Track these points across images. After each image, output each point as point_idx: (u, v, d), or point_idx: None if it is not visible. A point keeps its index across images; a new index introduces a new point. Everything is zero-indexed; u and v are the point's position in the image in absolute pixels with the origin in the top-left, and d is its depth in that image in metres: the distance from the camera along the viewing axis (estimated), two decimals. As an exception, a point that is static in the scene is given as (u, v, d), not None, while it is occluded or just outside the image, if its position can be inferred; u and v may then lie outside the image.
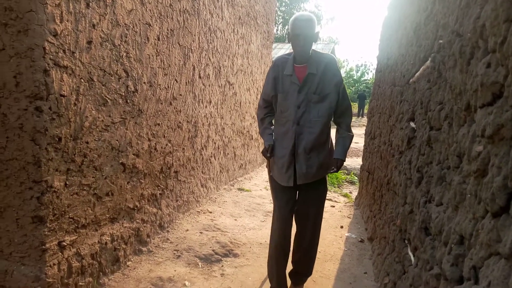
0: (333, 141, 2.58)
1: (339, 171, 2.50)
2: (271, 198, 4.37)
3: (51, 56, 2.05)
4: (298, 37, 2.24)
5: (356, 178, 7.33)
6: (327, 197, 5.39)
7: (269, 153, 2.44)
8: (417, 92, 2.29)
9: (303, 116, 2.33)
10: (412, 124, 2.37)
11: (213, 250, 3.22)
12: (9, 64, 2.00)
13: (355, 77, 43.41)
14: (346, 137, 2.47)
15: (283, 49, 20.36)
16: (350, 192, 6.26)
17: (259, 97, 6.87)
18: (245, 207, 4.54)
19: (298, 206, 2.52)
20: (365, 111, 23.20)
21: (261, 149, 7.14)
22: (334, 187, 6.38)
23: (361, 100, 22.47)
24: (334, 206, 4.91)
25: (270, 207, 4.61)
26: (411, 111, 2.44)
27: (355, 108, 24.81)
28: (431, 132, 1.77)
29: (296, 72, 2.34)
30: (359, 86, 39.04)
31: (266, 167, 2.62)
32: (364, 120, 20.92)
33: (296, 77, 2.34)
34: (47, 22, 2.00)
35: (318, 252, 3.32)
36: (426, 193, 1.77)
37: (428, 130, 1.85)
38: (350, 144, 2.49)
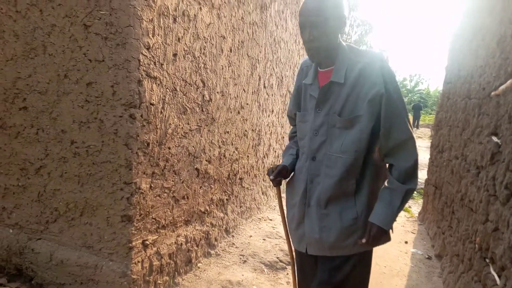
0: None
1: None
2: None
3: (144, 68, 2.22)
4: (304, 27, 1.46)
5: (415, 192, 7.09)
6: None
7: (272, 174, 1.67)
8: (502, 105, 2.21)
9: (321, 148, 1.55)
10: (495, 139, 2.29)
11: (277, 258, 3.26)
12: (107, 75, 2.19)
13: (408, 87, 42.10)
14: (395, 189, 1.46)
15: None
16: (409, 207, 6.07)
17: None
18: (304, 217, 4.55)
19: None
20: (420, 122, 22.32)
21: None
22: (393, 200, 6.20)
23: (416, 111, 21.65)
24: (396, 221, 4.78)
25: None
26: (493, 125, 2.35)
27: (410, 119, 23.97)
28: (525, 148, 1.70)
29: (320, 80, 1.57)
30: (413, 96, 37.79)
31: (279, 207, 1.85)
32: (420, 132, 20.12)
33: (317, 88, 1.57)
34: (142, 36, 2.18)
35: (383, 267, 3.27)
36: (519, 211, 1.70)
37: (520, 145, 1.78)
38: (403, 202, 1.47)
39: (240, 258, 3.22)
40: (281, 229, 4.00)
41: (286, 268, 3.14)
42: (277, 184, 1.73)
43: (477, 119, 2.80)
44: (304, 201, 1.60)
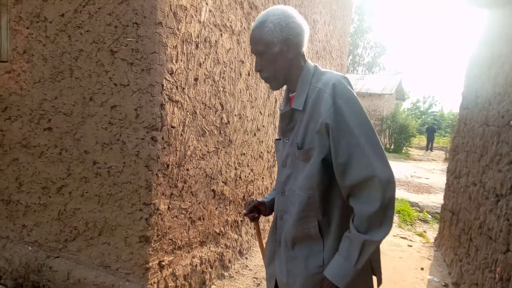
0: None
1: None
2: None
3: (167, 92, 2.28)
4: (255, 57, 1.38)
5: (430, 216, 6.98)
6: (402, 236, 5.24)
7: (245, 208, 1.62)
8: (522, 134, 2.21)
9: (288, 182, 1.38)
10: (515, 168, 2.28)
11: (291, 282, 3.23)
12: (132, 98, 2.26)
13: (421, 109, 41.90)
14: (351, 239, 1.19)
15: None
16: (425, 231, 5.97)
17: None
18: (318, 240, 4.51)
19: None
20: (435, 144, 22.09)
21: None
22: (407, 224, 6.12)
23: (430, 133, 21.44)
24: (411, 246, 4.71)
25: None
26: (513, 154, 2.35)
27: (423, 141, 23.73)
28: (547, 179, 1.70)
29: (292, 106, 1.40)
30: (426, 118, 37.55)
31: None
32: (434, 154, 19.92)
33: None
34: (166, 62, 2.25)
35: (399, 294, 3.22)
36: (542, 244, 1.68)
37: (542, 176, 1.77)
38: (362, 256, 1.17)
39: (254, 281, 3.20)
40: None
41: (300, 293, 3.11)
42: (251, 219, 1.64)
43: (496, 147, 2.79)
44: (274, 239, 1.46)
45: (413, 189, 9.57)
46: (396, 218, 6.26)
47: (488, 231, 2.69)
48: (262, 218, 1.66)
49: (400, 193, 8.64)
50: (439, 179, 11.39)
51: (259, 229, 1.71)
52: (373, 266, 1.34)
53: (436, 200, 8.29)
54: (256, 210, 1.61)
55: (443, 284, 3.51)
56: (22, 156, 2.68)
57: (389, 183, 1.15)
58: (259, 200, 1.62)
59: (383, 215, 1.15)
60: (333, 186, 1.28)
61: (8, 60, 2.75)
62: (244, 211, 1.62)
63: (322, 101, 1.23)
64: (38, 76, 2.56)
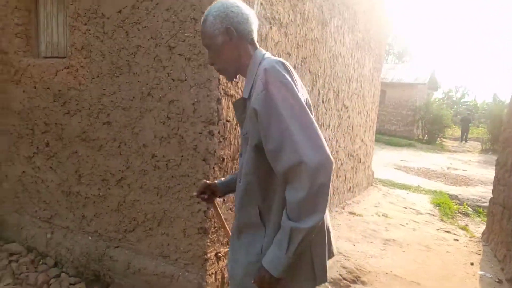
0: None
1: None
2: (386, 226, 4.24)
3: (223, 87, 2.30)
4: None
5: (470, 209, 6.79)
6: (445, 230, 5.11)
7: (196, 190, 1.66)
8: None
9: (242, 170, 1.37)
10: None
11: (340, 275, 3.23)
12: (189, 93, 2.30)
13: (454, 98, 40.52)
14: (283, 226, 1.15)
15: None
16: (467, 225, 5.80)
17: (368, 120, 6.80)
18: (360, 233, 4.48)
19: None
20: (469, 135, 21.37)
21: (367, 172, 6.99)
22: (449, 218, 5.97)
23: (465, 124, 20.71)
24: (457, 240, 4.60)
25: (386, 234, 4.48)
26: None
27: (457, 132, 22.97)
28: None
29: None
30: (459, 108, 36.30)
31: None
32: (468, 145, 19.27)
33: None
34: (223, 56, 2.27)
35: (451, 289, 3.16)
36: None
37: None
38: (291, 243, 1.13)
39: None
40: (340, 245, 3.97)
41: (350, 287, 3.10)
42: (203, 200, 1.65)
43: (559, 139, 2.67)
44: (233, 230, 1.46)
45: (451, 181, 9.31)
46: (437, 211, 6.12)
47: (551, 226, 2.59)
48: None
49: (438, 186, 8.44)
50: (477, 171, 11.04)
51: (218, 210, 1.71)
52: (313, 261, 1.28)
53: (476, 192, 8.05)
54: (208, 191, 1.62)
55: (497, 280, 3.42)
56: (81, 149, 2.78)
57: (319, 168, 1.08)
58: (208, 182, 1.64)
59: (312, 202, 1.11)
60: (272, 171, 1.23)
61: (66, 56, 2.85)
62: (194, 193, 1.63)
63: (256, 88, 1.22)
64: (96, 71, 2.64)
